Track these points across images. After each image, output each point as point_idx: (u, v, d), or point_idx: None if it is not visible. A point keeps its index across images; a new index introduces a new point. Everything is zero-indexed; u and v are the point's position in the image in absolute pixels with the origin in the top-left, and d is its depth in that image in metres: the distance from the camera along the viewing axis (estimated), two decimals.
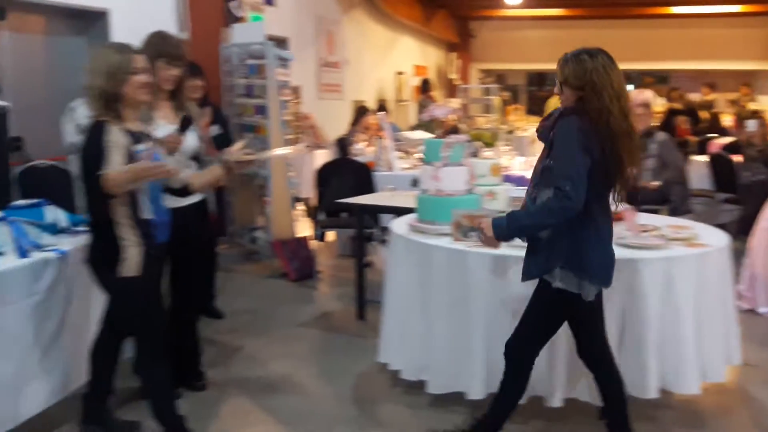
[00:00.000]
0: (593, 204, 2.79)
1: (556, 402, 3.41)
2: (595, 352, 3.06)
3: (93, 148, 2.90)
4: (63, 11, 6.08)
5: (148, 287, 3.05)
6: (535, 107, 15.10)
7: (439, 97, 15.31)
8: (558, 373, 3.37)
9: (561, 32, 16.57)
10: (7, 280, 2.97)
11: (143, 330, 3.09)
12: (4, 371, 2.94)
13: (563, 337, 3.22)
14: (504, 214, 2.89)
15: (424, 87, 12.35)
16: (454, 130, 6.92)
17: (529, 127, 13.90)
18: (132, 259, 2.95)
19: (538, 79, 19.95)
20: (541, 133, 3.01)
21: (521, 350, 3.02)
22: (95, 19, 6.22)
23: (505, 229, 2.85)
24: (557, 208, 2.71)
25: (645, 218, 4.07)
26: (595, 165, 2.75)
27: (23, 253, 3.13)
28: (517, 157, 7.53)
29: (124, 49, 3.04)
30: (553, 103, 13.52)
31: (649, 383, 3.33)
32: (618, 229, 3.66)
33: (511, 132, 11.81)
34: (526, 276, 2.96)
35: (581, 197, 2.69)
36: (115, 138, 2.90)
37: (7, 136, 4.94)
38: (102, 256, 3.01)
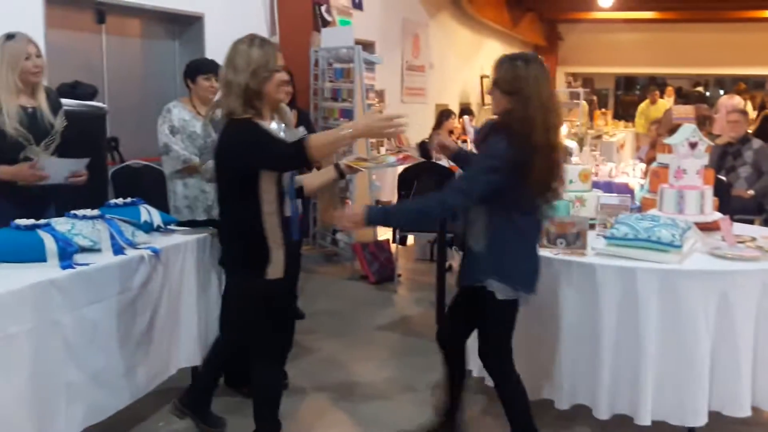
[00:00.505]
0: (521, 218, 2.92)
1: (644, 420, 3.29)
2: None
3: (246, 145, 2.82)
4: (159, 15, 6.28)
5: (288, 289, 3.02)
6: (623, 112, 14.76)
7: None
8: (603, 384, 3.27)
9: (652, 35, 16.14)
10: (102, 276, 3.06)
11: (269, 332, 3.05)
12: (95, 365, 3.03)
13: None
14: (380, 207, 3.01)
15: None
16: None
17: (617, 132, 13.61)
18: (279, 261, 2.90)
19: (627, 83, 19.48)
20: (477, 146, 3.15)
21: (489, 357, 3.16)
22: (190, 24, 6.41)
23: (380, 214, 2.99)
24: (450, 203, 2.89)
25: (739, 228, 3.91)
26: (522, 180, 2.81)
27: (118, 251, 3.24)
28: (605, 163, 7.35)
29: (264, 44, 2.95)
30: (644, 108, 13.20)
31: (743, 401, 3.19)
32: (712, 240, 3.56)
33: (598, 137, 11.57)
34: (462, 281, 3.13)
35: (467, 204, 2.92)
36: (269, 129, 2.88)
37: (105, 136, 5.14)
38: (246, 258, 2.95)
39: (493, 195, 2.85)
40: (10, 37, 3.56)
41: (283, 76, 2.97)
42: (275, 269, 2.91)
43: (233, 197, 2.93)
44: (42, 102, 3.63)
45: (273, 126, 3.84)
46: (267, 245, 2.89)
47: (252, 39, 2.94)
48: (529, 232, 3.00)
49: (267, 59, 2.89)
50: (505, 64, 2.92)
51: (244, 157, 2.84)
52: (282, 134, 3.88)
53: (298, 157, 2.80)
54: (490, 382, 3.63)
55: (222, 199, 3.01)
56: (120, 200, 3.64)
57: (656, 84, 15.34)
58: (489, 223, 2.93)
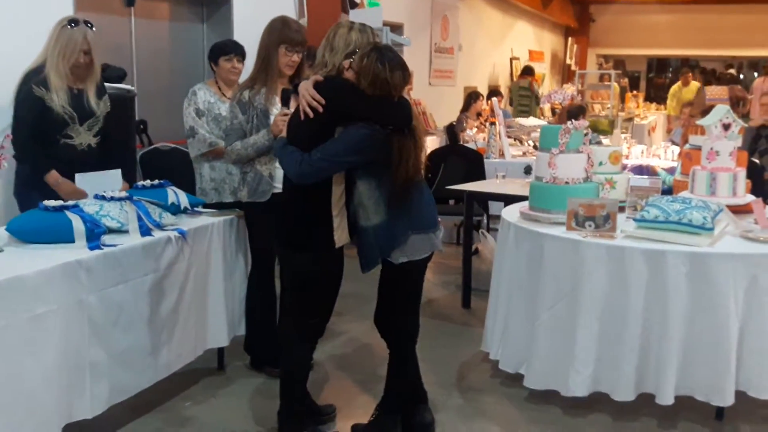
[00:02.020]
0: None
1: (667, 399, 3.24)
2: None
3: (365, 100, 2.86)
4: None
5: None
6: (654, 94, 14.53)
7: (549, 83, 14.94)
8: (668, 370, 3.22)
9: (685, 17, 15.87)
10: (129, 257, 3.08)
11: (318, 305, 3.14)
12: (120, 345, 3.06)
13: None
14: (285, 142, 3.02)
15: (525, 71, 12.14)
16: (580, 110, 6.62)
17: (648, 114, 13.41)
18: (344, 226, 3.01)
19: (659, 65, 19.18)
20: None
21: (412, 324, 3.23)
22: (218, 6, 6.41)
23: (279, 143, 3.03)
24: (306, 169, 2.86)
25: None
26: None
27: (146, 232, 3.26)
28: (636, 146, 7.25)
29: (364, 29, 3.02)
30: (676, 90, 12.98)
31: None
32: (745, 222, 3.49)
33: (629, 119, 11.43)
34: (370, 265, 3.04)
35: (314, 176, 2.88)
36: None
37: (134, 119, 5.17)
38: (317, 231, 2.99)
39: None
40: (72, 22, 3.60)
41: None
42: (342, 235, 3.00)
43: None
44: (89, 85, 3.69)
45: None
46: (332, 214, 2.96)
47: (352, 23, 3.02)
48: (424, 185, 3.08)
49: (365, 42, 2.95)
50: (371, 57, 2.86)
51: (355, 109, 2.89)
52: None
53: (410, 119, 2.94)
54: (505, 366, 3.63)
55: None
56: (147, 182, 3.66)
57: (689, 66, 15.09)
58: (382, 194, 2.91)
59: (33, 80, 3.55)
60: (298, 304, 3.13)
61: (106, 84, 4.62)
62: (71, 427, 2.86)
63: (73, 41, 3.57)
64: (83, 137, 3.67)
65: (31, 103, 3.53)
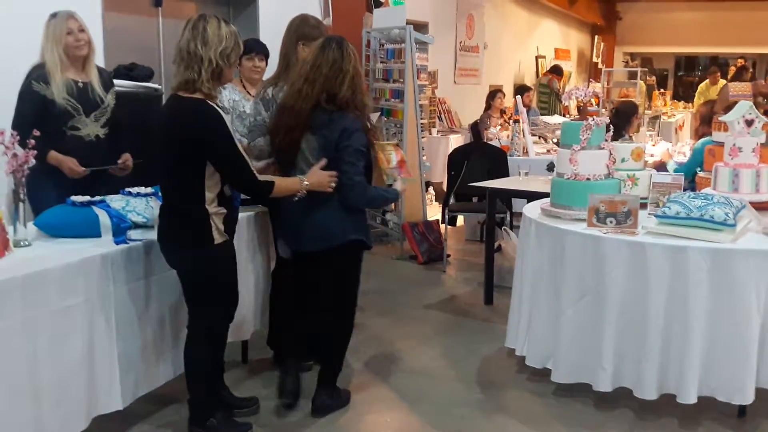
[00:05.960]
0: None
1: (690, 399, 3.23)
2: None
3: (222, 157, 2.92)
4: None
5: (232, 255, 3.12)
6: (683, 92, 14.38)
7: (576, 81, 14.84)
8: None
9: (713, 14, 15.70)
10: (155, 251, 3.12)
11: (225, 299, 3.16)
12: (145, 337, 3.11)
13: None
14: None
15: (552, 70, 12.10)
16: (633, 108, 6.37)
17: (675, 112, 13.29)
18: (219, 228, 2.99)
19: (687, 63, 18.97)
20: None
21: None
22: (245, 6, 6.47)
23: None
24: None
25: None
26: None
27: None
28: (662, 143, 7.20)
29: (230, 27, 2.98)
30: (704, 89, 12.85)
31: None
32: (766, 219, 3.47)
33: (656, 117, 11.34)
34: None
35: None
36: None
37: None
38: (190, 233, 2.99)
39: None
40: (53, 15, 3.70)
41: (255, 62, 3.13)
42: (219, 234, 3.00)
43: (182, 173, 2.96)
44: (93, 77, 3.75)
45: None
46: (206, 218, 2.97)
47: (218, 19, 2.97)
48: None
49: (236, 41, 2.97)
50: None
51: (212, 154, 2.91)
52: None
53: (261, 195, 3.13)
54: (531, 362, 3.64)
55: (166, 174, 3.03)
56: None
57: (717, 64, 14.91)
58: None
59: (32, 76, 3.62)
60: (210, 295, 3.10)
61: (133, 83, 4.72)
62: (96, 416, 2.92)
63: (58, 27, 3.64)
64: (90, 128, 3.72)
65: (31, 97, 3.59)
